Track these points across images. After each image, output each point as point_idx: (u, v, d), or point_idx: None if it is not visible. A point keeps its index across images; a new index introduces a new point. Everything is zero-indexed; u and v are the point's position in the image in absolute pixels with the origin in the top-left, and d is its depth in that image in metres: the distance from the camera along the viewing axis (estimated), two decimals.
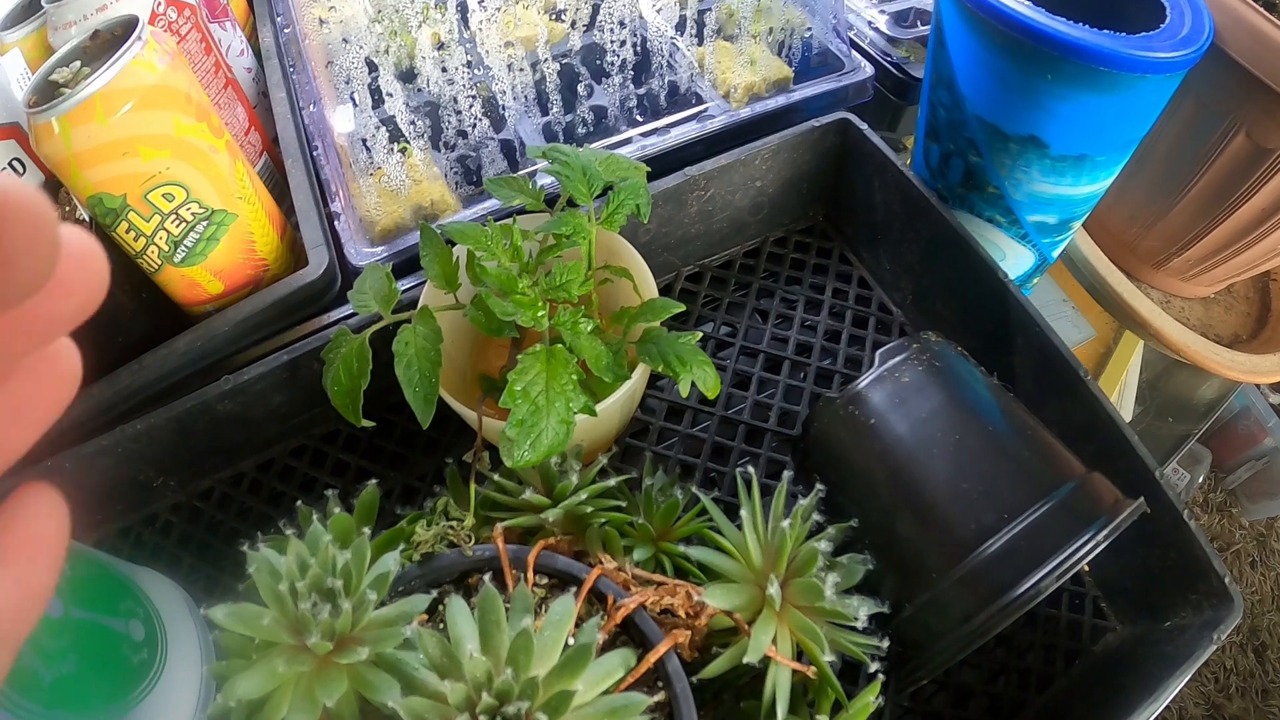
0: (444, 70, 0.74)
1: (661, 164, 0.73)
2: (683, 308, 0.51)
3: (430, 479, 0.65)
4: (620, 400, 0.51)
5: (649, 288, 0.56)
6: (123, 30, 0.56)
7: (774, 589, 0.41)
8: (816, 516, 0.47)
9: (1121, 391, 1.00)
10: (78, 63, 0.55)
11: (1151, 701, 0.49)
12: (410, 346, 0.48)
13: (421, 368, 0.48)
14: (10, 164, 0.58)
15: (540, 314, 0.48)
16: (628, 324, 0.52)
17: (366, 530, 0.41)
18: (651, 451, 0.66)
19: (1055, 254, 0.72)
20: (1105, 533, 0.45)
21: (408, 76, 0.78)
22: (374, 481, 0.47)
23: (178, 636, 0.51)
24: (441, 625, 0.41)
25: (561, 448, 0.45)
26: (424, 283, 0.58)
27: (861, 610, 0.44)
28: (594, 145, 0.74)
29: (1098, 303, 0.90)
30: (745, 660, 0.40)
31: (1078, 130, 0.58)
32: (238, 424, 0.61)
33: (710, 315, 0.74)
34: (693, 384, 0.48)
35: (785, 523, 0.44)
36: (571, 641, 0.39)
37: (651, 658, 0.41)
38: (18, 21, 0.67)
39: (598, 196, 0.53)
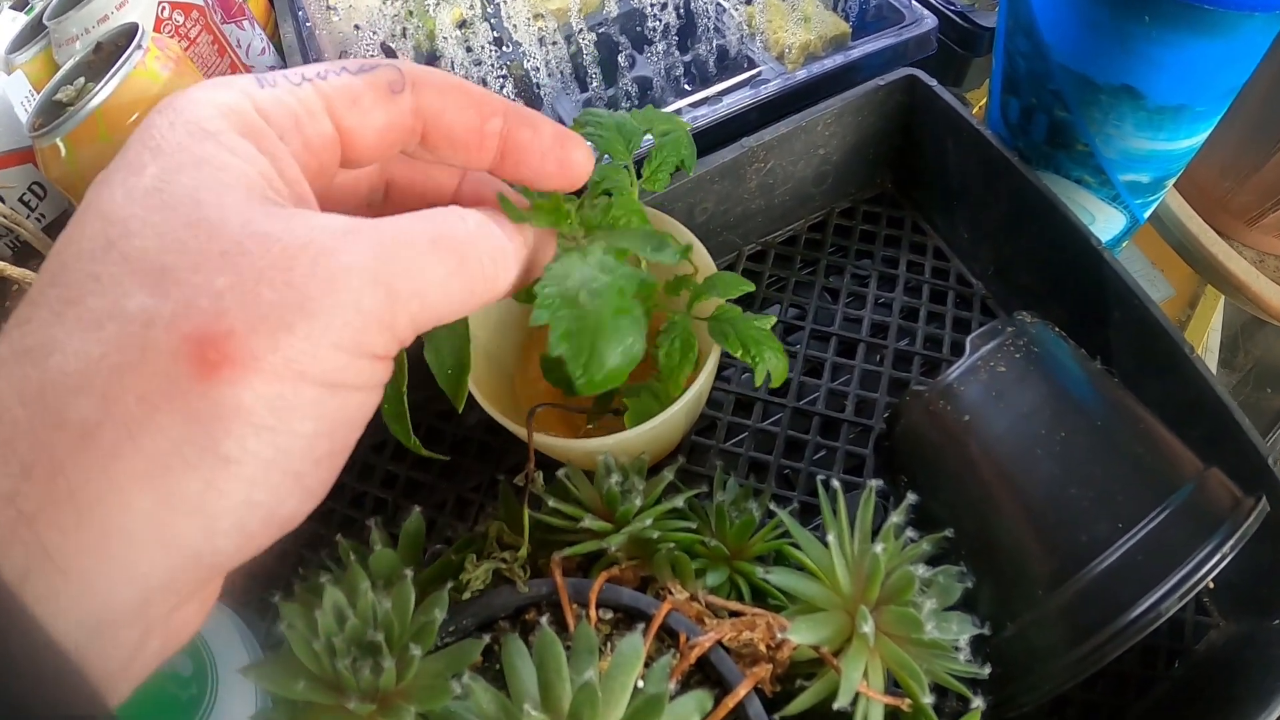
0: (469, 50, 0.70)
1: (715, 136, 0.68)
2: (751, 286, 0.47)
3: (484, 490, 0.61)
4: (687, 404, 0.47)
5: (708, 269, 0.51)
6: (126, 40, 0.53)
7: (868, 626, 0.37)
8: (909, 532, 0.43)
9: (1204, 353, 0.94)
10: (82, 79, 0.52)
11: (1266, 714, 0.43)
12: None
13: (452, 343, 0.42)
14: (30, 188, 0.56)
15: (568, 208, 0.39)
16: (692, 298, 0.47)
17: (409, 573, 0.37)
18: (720, 450, 0.61)
19: (1146, 215, 0.67)
20: (1231, 542, 0.40)
21: (430, 60, 0.74)
22: (417, 509, 0.43)
23: (229, 666, 0.49)
24: (497, 666, 0.37)
25: (634, 357, 0.36)
26: None
27: (961, 637, 0.39)
28: None
29: (1187, 263, 0.84)
30: (836, 706, 0.36)
31: (1177, 78, 0.52)
32: None
33: (776, 296, 0.69)
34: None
35: (879, 547, 0.39)
36: (640, 684, 0.35)
37: (730, 702, 0.36)
38: (25, 43, 0.65)
39: (639, 156, 0.48)
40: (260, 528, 0.26)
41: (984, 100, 0.84)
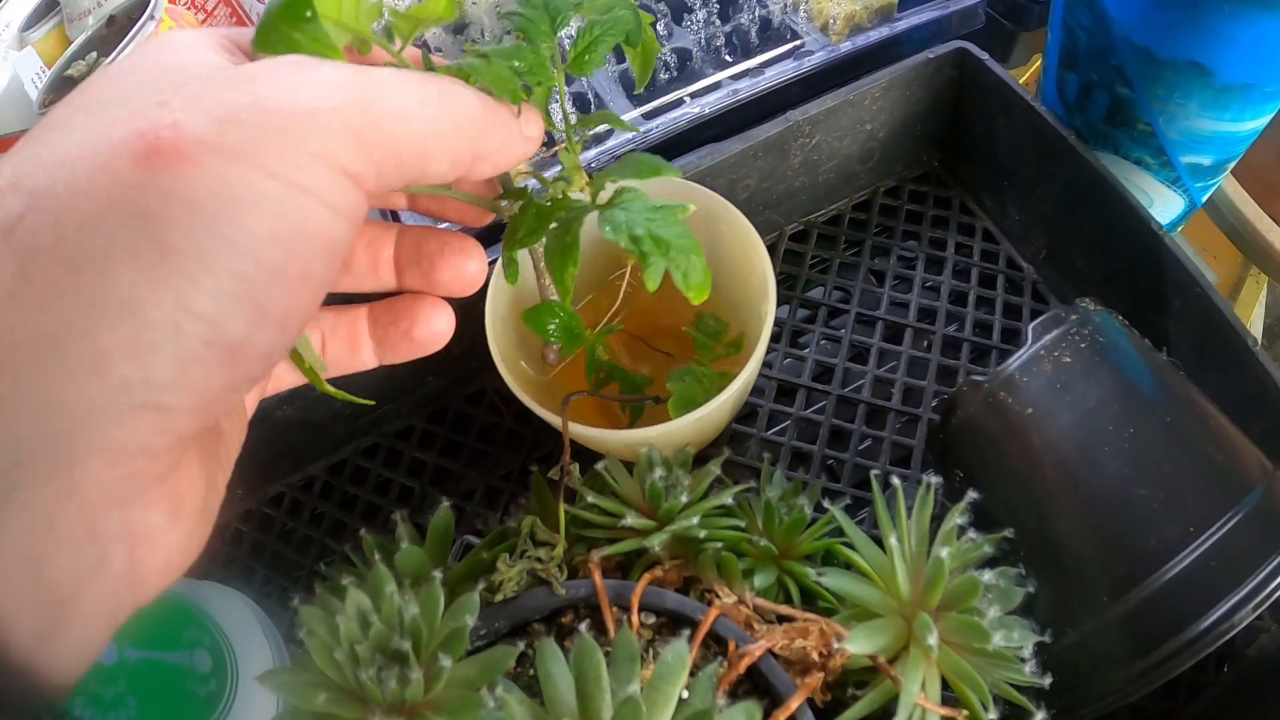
0: (499, 17, 0.67)
1: (756, 109, 0.65)
2: (678, 173, 0.39)
3: (515, 478, 0.59)
4: (735, 392, 0.44)
5: (750, 244, 0.49)
6: (139, 13, 0.52)
7: (933, 638, 0.34)
8: (968, 531, 0.40)
9: None
10: (94, 54, 0.51)
11: None
12: None
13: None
14: None
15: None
16: (595, 188, 0.38)
17: (438, 574, 0.35)
18: (761, 439, 0.59)
19: (1204, 199, 0.64)
20: None
21: (458, 27, 0.71)
22: (446, 504, 0.41)
23: (249, 659, 0.47)
24: (532, 672, 0.35)
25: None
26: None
27: (1025, 648, 0.37)
28: (679, 92, 0.67)
29: (1240, 249, 0.81)
30: None
31: (1247, 54, 0.49)
32: (301, 428, 0.56)
33: (819, 279, 0.66)
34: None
35: (944, 551, 0.36)
36: (685, 695, 0.33)
37: (781, 715, 0.34)
38: (39, 20, 0.64)
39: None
40: (203, 349, 0.23)
41: (1026, 76, 0.81)
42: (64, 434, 0.21)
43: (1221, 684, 0.51)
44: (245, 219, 0.23)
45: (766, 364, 0.62)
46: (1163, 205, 0.62)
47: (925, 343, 0.63)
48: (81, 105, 0.24)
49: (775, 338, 0.63)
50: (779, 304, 0.62)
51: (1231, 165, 0.60)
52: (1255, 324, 0.91)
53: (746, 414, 0.60)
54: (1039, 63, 0.80)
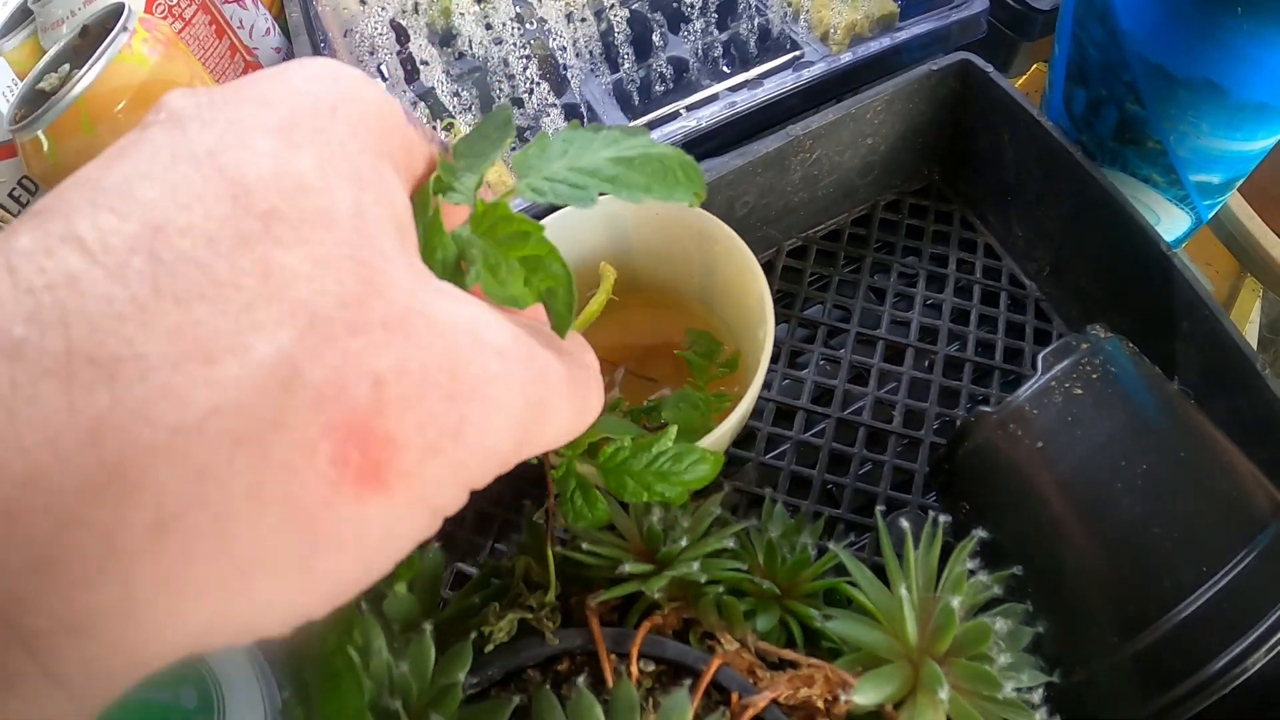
0: (488, 28, 0.65)
1: (754, 122, 0.64)
2: None
3: (506, 503, 0.57)
4: (733, 425, 0.43)
5: (746, 267, 0.47)
6: (113, 22, 0.49)
7: (944, 692, 0.33)
8: (973, 564, 0.39)
9: None
10: (67, 65, 0.49)
11: None
12: None
13: None
14: (20, 183, 0.52)
15: None
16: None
17: (428, 627, 0.33)
18: (760, 463, 0.57)
19: (1209, 216, 0.63)
20: None
21: (445, 39, 0.69)
22: (437, 545, 0.39)
23: (237, 694, 0.45)
24: None
25: None
26: None
27: (1035, 693, 0.36)
28: (675, 105, 0.65)
29: (1240, 260, 0.80)
30: None
31: (1264, 74, 0.48)
32: None
33: (818, 296, 0.65)
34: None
35: (955, 601, 0.35)
36: None
37: None
38: (13, 28, 0.62)
39: None
40: (270, 629, 0.19)
41: (1023, 80, 0.80)
42: None
43: (1225, 706, 0.50)
44: (390, 550, 0.20)
45: (765, 385, 0.60)
46: (1169, 223, 0.61)
47: (927, 363, 0.61)
48: (232, 257, 0.18)
49: (774, 358, 0.61)
50: (777, 323, 0.61)
51: (1239, 183, 0.59)
52: (1250, 333, 0.90)
53: (744, 437, 0.58)
54: (1035, 68, 0.79)
